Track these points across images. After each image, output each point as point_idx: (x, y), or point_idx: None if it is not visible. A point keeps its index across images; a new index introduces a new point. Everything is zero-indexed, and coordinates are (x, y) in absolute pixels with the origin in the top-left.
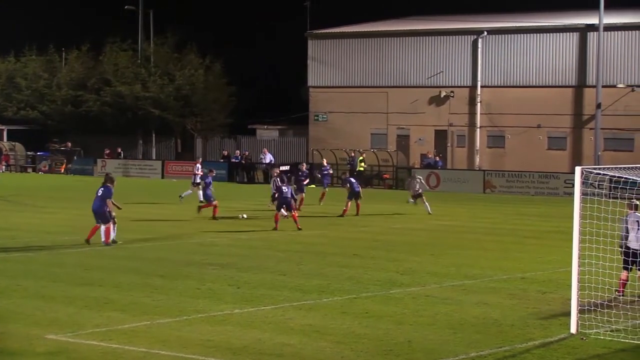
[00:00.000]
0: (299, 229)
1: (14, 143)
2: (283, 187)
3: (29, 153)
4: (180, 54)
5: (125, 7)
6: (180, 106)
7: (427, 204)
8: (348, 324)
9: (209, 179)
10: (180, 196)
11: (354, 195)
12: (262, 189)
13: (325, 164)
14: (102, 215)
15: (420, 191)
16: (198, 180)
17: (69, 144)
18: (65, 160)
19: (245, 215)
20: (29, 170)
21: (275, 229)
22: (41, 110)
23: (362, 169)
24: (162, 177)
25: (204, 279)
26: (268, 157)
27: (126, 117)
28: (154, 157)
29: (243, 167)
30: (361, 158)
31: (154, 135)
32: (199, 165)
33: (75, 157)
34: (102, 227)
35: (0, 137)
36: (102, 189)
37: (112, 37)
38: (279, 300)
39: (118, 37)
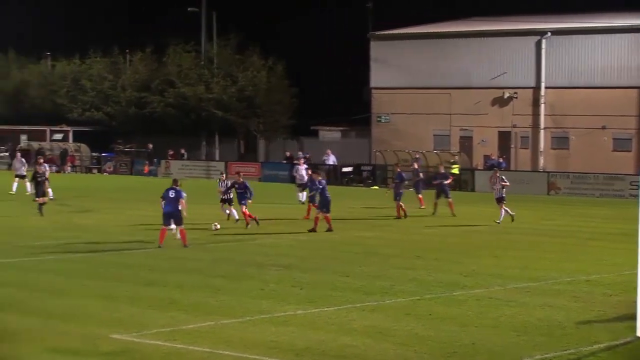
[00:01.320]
0: (330, 230)
1: (79, 144)
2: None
3: (94, 154)
4: (242, 55)
5: (189, 8)
6: (243, 107)
7: (504, 210)
8: (411, 326)
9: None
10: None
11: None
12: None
13: (416, 167)
14: (177, 216)
15: (502, 195)
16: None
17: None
18: (147, 162)
19: (218, 226)
20: (94, 171)
21: (313, 230)
22: (106, 111)
23: (456, 171)
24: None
25: (267, 279)
26: (331, 159)
27: (189, 118)
28: (217, 159)
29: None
30: (453, 160)
31: (217, 136)
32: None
33: (155, 160)
34: (176, 229)
35: (66, 138)
36: (173, 191)
37: (175, 39)
38: (342, 302)
39: (181, 39)
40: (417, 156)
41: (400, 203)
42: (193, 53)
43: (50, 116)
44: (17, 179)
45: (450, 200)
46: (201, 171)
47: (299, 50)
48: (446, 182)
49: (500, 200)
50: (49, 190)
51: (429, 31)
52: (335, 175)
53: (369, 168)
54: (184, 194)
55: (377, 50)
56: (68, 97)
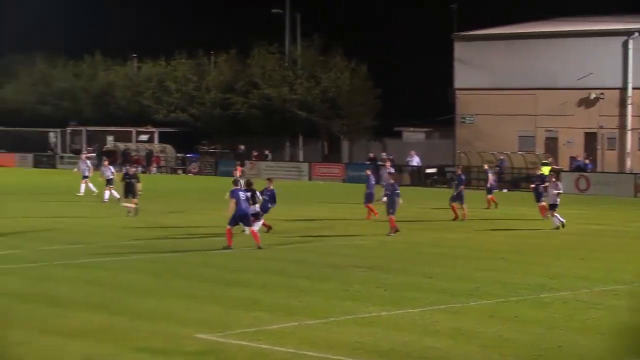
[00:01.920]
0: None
1: (164, 145)
2: (396, 191)
3: (179, 155)
4: (326, 56)
5: (273, 10)
6: (326, 108)
7: (554, 218)
8: (496, 328)
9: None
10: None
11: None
12: (410, 191)
13: (487, 167)
14: (249, 217)
15: (556, 202)
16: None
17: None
18: (238, 163)
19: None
20: (179, 172)
21: (392, 233)
22: (190, 112)
23: (546, 172)
24: (309, 179)
25: (351, 280)
26: (415, 160)
27: (273, 120)
28: (301, 159)
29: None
30: (545, 161)
31: (300, 137)
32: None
33: (245, 161)
34: (248, 230)
35: (151, 139)
36: (246, 192)
37: (259, 41)
38: (426, 303)
39: (266, 41)
40: (501, 157)
41: (459, 205)
42: (277, 54)
43: (136, 117)
44: (84, 180)
45: (541, 204)
46: (285, 172)
47: (383, 51)
48: (542, 185)
49: (553, 207)
50: (114, 192)
51: (514, 32)
52: (419, 177)
53: (453, 169)
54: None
55: (462, 50)
56: (153, 99)
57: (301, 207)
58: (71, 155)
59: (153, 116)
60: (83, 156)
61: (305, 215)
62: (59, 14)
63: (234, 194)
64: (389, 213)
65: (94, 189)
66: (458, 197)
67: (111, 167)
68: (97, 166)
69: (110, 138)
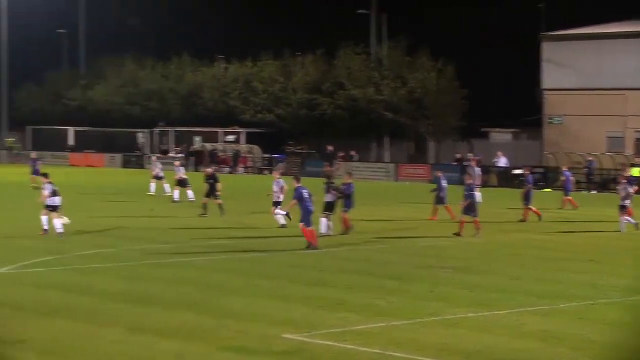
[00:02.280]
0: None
1: (251, 146)
2: (472, 191)
3: (265, 156)
4: (412, 57)
5: (359, 11)
6: (413, 109)
7: (624, 221)
8: (586, 331)
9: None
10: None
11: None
12: (497, 192)
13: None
14: (311, 216)
15: (626, 203)
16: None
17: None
18: (328, 163)
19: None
20: (266, 172)
21: (458, 234)
22: (277, 113)
23: (636, 174)
24: (396, 180)
25: (437, 281)
26: (502, 161)
27: (360, 120)
28: (387, 160)
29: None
30: (634, 163)
31: (387, 138)
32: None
33: (334, 161)
34: (308, 229)
35: (238, 140)
36: (307, 190)
37: (346, 41)
38: (514, 305)
39: (352, 41)
40: (590, 159)
41: (525, 205)
42: (363, 55)
43: (223, 118)
44: (155, 180)
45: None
46: (371, 173)
47: (470, 52)
48: (631, 189)
49: (623, 208)
50: (189, 192)
51: (603, 32)
52: (506, 178)
53: (540, 170)
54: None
55: (550, 51)
56: (240, 99)
57: (387, 207)
58: (159, 155)
59: (240, 117)
60: (154, 157)
61: (391, 216)
62: (148, 16)
63: (297, 193)
64: (465, 213)
65: (168, 189)
66: (526, 198)
67: (182, 167)
68: (186, 167)
69: (197, 139)
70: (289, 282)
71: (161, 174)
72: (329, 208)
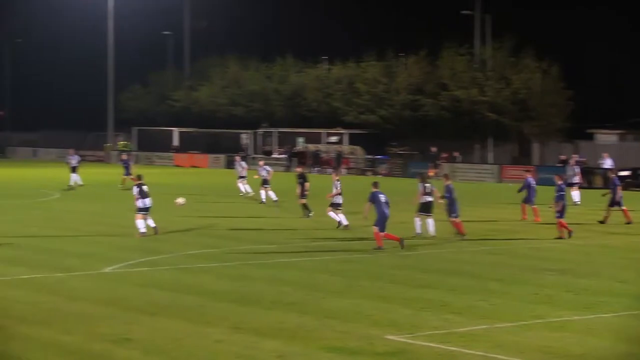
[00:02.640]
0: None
1: (354, 147)
2: (561, 192)
3: (368, 157)
4: (516, 57)
5: (462, 11)
6: (516, 110)
7: None
8: None
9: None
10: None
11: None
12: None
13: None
14: (386, 221)
15: None
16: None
17: (433, 148)
18: (432, 164)
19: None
20: (368, 173)
21: (561, 237)
22: (380, 114)
23: None
24: (499, 181)
25: (542, 284)
26: (607, 162)
27: (462, 122)
28: (490, 162)
29: (582, 172)
30: None
31: (490, 139)
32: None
33: (437, 162)
34: (380, 233)
35: (341, 141)
36: (383, 194)
37: (449, 42)
38: (619, 308)
39: (455, 42)
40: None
41: (607, 207)
42: (466, 56)
43: (326, 119)
44: (240, 180)
45: None
46: (475, 174)
47: (575, 52)
48: None
49: None
50: (270, 192)
51: None
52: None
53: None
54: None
55: None
56: (343, 100)
57: (490, 209)
58: (262, 156)
59: (343, 118)
60: (238, 157)
61: (495, 217)
62: (251, 17)
63: (373, 197)
64: (558, 217)
65: (249, 190)
66: (613, 201)
67: (266, 167)
68: (288, 167)
69: (300, 139)
70: (391, 283)
71: (243, 174)
72: (425, 209)
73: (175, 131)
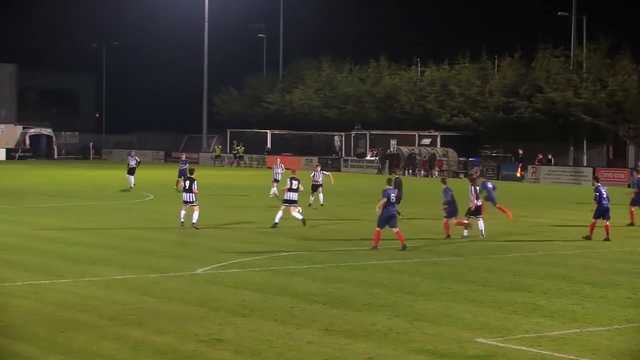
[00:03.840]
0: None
1: (447, 149)
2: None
3: (461, 159)
4: (613, 59)
5: (559, 13)
6: (612, 112)
7: None
8: None
9: None
10: None
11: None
12: None
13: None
14: (396, 218)
15: None
16: None
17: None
18: (520, 166)
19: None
20: (461, 175)
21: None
22: (473, 116)
23: None
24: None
25: (635, 288)
26: None
27: (557, 124)
28: (584, 164)
29: None
30: None
31: (585, 142)
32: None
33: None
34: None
35: (434, 142)
36: (394, 193)
37: (544, 44)
38: None
39: (550, 44)
40: None
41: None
42: (562, 58)
43: (419, 121)
44: (275, 183)
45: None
46: (568, 177)
47: None
48: None
49: None
50: (320, 195)
51: None
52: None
53: None
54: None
55: None
56: (437, 102)
57: (585, 212)
58: (354, 158)
59: (436, 120)
60: (278, 160)
61: (588, 220)
62: (345, 20)
63: (385, 193)
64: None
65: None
66: (637, 201)
67: (322, 172)
68: (381, 170)
69: (393, 142)
70: (482, 286)
71: (278, 177)
72: (476, 212)
73: (269, 133)
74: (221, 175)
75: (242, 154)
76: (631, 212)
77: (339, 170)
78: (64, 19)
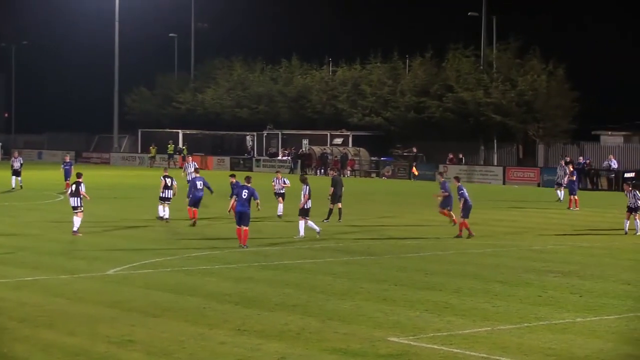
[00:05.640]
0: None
1: (358, 148)
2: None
3: (372, 158)
4: (522, 59)
5: (469, 13)
6: (522, 112)
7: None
8: None
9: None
10: None
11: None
12: (606, 196)
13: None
14: (247, 217)
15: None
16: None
17: (413, 149)
18: (415, 164)
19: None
20: (373, 175)
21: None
22: (385, 116)
23: None
24: (504, 183)
25: (545, 286)
26: (613, 164)
27: (468, 123)
28: (495, 163)
29: (586, 174)
30: None
31: (495, 141)
32: None
33: (418, 163)
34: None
35: (346, 142)
36: (247, 190)
37: (454, 44)
38: (623, 310)
39: (461, 44)
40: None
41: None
42: (472, 58)
43: (331, 121)
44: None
45: None
46: (480, 176)
47: (580, 54)
48: None
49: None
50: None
51: None
52: (616, 181)
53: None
54: (257, 194)
55: None
56: (348, 102)
57: (495, 210)
58: (267, 158)
59: (348, 119)
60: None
61: (499, 219)
62: (257, 19)
63: (235, 193)
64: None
65: None
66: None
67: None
68: (293, 170)
69: (305, 142)
70: (394, 286)
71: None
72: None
73: (180, 133)
74: (134, 175)
75: (176, 154)
76: (445, 214)
77: (251, 170)
78: None
